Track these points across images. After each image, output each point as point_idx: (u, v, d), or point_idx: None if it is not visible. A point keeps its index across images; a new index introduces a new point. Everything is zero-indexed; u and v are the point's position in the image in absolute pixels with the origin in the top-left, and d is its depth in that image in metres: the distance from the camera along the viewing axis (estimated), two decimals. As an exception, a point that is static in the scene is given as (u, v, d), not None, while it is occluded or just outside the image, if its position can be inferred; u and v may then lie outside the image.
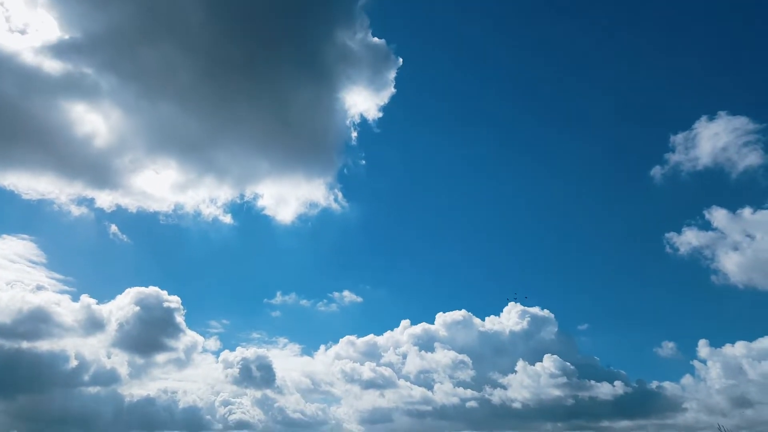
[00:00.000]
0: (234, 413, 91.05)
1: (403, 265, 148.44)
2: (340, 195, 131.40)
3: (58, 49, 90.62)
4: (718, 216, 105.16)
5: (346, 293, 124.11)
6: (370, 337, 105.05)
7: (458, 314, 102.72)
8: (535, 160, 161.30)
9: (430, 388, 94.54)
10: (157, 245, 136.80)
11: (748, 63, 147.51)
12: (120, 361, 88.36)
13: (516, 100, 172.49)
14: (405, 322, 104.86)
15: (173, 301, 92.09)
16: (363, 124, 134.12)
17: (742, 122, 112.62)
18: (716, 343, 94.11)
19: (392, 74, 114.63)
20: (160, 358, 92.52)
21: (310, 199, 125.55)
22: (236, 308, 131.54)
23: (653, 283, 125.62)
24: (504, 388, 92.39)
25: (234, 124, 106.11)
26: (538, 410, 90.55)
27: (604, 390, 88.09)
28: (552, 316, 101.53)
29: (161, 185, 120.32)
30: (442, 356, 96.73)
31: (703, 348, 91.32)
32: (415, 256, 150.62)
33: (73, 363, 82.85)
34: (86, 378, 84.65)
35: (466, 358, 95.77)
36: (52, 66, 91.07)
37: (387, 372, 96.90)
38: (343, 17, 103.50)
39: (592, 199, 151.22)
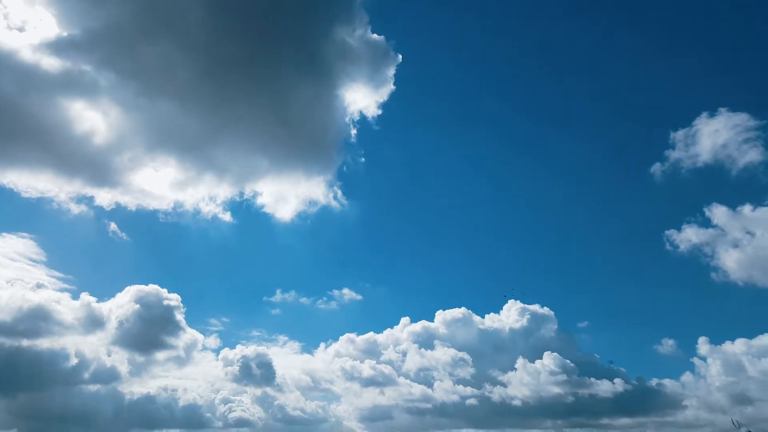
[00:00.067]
0: (234, 411, 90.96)
1: (403, 262, 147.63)
2: (339, 193, 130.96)
3: (57, 47, 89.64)
4: (719, 213, 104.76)
5: (345, 291, 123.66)
6: (370, 334, 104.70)
7: (458, 312, 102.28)
8: (535, 158, 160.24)
9: (430, 385, 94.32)
10: (156, 243, 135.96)
11: (749, 59, 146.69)
12: (120, 359, 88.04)
13: (516, 96, 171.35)
14: (405, 320, 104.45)
15: (173, 299, 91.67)
16: (362, 121, 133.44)
17: (742, 119, 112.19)
18: (716, 340, 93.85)
19: (392, 71, 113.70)
20: (160, 355, 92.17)
21: (310, 196, 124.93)
22: (236, 306, 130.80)
23: (653, 281, 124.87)
24: (504, 385, 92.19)
25: (233, 122, 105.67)
26: (538, 408, 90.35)
27: (604, 387, 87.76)
28: (552, 313, 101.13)
29: (161, 183, 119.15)
30: (442, 354, 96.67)
31: (703, 345, 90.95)
32: (415, 253, 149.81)
33: (73, 361, 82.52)
34: (86, 376, 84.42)
35: (465, 355, 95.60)
36: (51, 63, 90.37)
37: (387, 370, 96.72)
38: (343, 14, 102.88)
39: (592, 197, 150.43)
